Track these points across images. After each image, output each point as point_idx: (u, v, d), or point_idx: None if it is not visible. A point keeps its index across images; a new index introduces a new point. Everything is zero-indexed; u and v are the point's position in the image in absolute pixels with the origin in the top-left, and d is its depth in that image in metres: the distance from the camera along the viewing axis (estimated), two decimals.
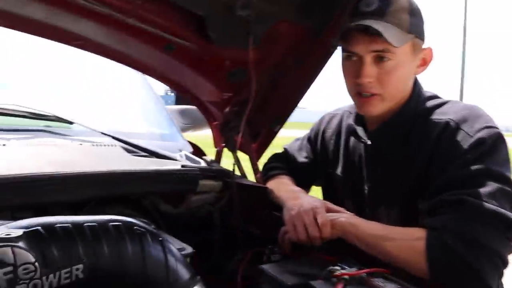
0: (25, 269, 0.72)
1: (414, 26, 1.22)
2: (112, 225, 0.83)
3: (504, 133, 1.20)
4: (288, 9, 1.41)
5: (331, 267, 1.02)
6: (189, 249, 1.04)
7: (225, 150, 1.74)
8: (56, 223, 0.81)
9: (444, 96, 1.36)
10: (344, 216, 1.23)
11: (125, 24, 1.28)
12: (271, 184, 1.55)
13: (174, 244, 0.94)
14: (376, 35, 1.16)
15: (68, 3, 1.17)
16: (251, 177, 1.70)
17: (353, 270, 1.01)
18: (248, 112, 1.56)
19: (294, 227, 1.22)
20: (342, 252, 1.19)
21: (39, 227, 0.78)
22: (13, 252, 0.72)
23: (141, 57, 1.45)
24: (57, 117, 1.54)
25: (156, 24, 1.32)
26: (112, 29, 1.29)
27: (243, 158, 1.72)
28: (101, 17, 1.24)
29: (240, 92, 1.63)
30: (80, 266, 0.78)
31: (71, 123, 1.58)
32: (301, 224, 1.21)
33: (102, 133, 1.53)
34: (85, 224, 0.82)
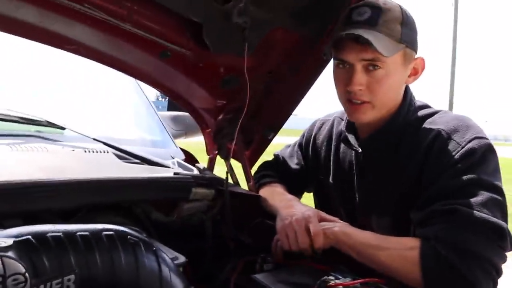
0: (14, 279, 0.70)
1: (406, 36, 1.23)
2: (105, 234, 0.82)
3: (493, 142, 1.22)
4: (284, 17, 1.41)
5: (325, 277, 1.02)
6: (182, 259, 1.03)
7: (218, 157, 1.73)
8: (47, 232, 0.79)
9: (434, 106, 1.38)
10: (337, 226, 1.22)
11: (120, 30, 1.27)
12: (264, 192, 1.54)
13: (167, 254, 0.92)
14: (366, 44, 1.17)
15: (63, 7, 1.16)
16: (244, 184, 1.69)
17: (347, 280, 1.01)
18: (242, 119, 1.55)
19: (286, 236, 1.22)
20: (336, 261, 1.18)
21: (29, 236, 0.77)
22: (3, 262, 0.70)
23: (136, 63, 1.44)
24: (49, 122, 1.52)
25: (151, 30, 1.31)
26: (107, 34, 1.28)
27: (236, 165, 1.71)
28: (96, 22, 1.22)
29: (234, 99, 1.62)
30: (72, 276, 0.77)
31: (63, 128, 1.57)
32: (293, 233, 1.21)
33: (94, 139, 1.51)
34: (77, 233, 0.80)
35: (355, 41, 1.20)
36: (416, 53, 1.29)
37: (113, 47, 1.35)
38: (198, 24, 1.31)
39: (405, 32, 1.22)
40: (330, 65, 1.36)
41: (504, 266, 1.10)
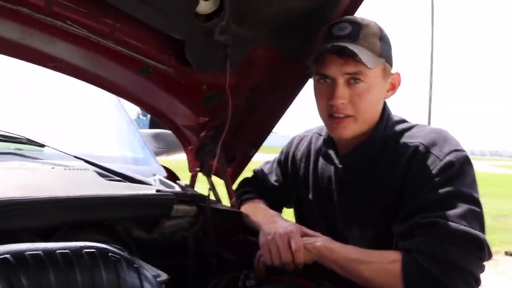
0: None
1: (384, 52, 1.27)
2: (86, 251, 0.81)
3: (470, 156, 1.25)
4: (266, 35, 1.43)
5: None
6: (164, 276, 1.02)
7: (200, 174, 1.72)
8: (25, 251, 0.78)
9: (412, 120, 1.41)
10: (320, 240, 1.23)
11: (102, 47, 1.27)
12: (246, 208, 1.55)
13: (149, 271, 0.92)
14: (350, 57, 1.20)
15: (45, 24, 1.15)
16: (226, 202, 1.68)
17: None
18: (224, 136, 1.56)
19: (269, 251, 1.22)
20: (319, 276, 1.18)
21: (7, 255, 0.76)
22: None
23: (118, 80, 1.44)
24: (28, 139, 1.50)
25: (133, 47, 1.31)
26: (89, 51, 1.28)
27: (218, 182, 1.71)
28: (78, 39, 1.22)
29: (216, 116, 1.62)
30: None
31: (42, 146, 1.55)
32: (275, 248, 1.21)
33: (75, 157, 1.50)
34: (57, 251, 0.79)
35: (338, 55, 1.23)
36: (392, 68, 1.33)
37: (95, 64, 1.35)
38: (181, 42, 1.31)
39: (383, 47, 1.27)
40: (311, 81, 1.38)
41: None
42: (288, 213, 1.63)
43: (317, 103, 1.35)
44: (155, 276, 0.95)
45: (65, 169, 1.41)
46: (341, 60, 1.23)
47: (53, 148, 1.53)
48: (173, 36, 1.29)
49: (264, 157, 1.77)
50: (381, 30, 1.29)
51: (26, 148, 1.55)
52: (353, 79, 1.25)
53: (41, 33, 1.18)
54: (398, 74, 1.35)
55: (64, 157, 1.51)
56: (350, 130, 1.29)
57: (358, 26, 1.25)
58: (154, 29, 1.25)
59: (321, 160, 1.47)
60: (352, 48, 1.20)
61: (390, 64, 1.31)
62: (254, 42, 1.43)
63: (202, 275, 1.38)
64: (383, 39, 1.28)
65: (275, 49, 1.49)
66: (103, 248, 0.84)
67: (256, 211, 1.49)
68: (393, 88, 1.35)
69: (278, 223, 1.33)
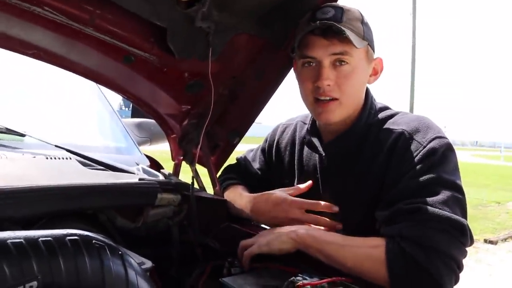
0: None
1: (367, 34, 1.29)
2: (69, 239, 0.80)
3: None
4: (248, 22, 1.42)
5: (293, 278, 1.02)
6: (148, 264, 1.02)
7: (184, 164, 1.72)
8: (7, 239, 0.77)
9: (395, 109, 1.42)
10: (303, 228, 1.23)
11: (82, 34, 1.24)
12: (228, 194, 1.56)
13: (134, 259, 0.91)
14: (335, 37, 1.22)
15: (22, 10, 1.13)
16: (210, 190, 1.68)
17: (314, 280, 1.01)
18: (207, 124, 1.55)
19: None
20: (303, 263, 1.19)
21: None
22: None
23: (99, 68, 1.41)
24: (8, 129, 1.48)
25: (114, 34, 1.29)
26: (69, 38, 1.25)
27: (203, 173, 1.71)
28: (57, 26, 1.20)
29: (199, 104, 1.62)
30: (34, 283, 0.74)
31: (23, 135, 1.52)
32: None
33: (56, 146, 1.47)
34: (40, 239, 0.78)
35: (323, 37, 1.24)
36: (374, 53, 1.35)
37: (75, 52, 1.32)
38: (162, 29, 1.30)
39: (366, 31, 1.29)
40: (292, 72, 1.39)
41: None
42: None
43: (301, 88, 1.35)
44: (140, 264, 0.94)
45: (46, 158, 1.38)
46: (326, 41, 1.25)
47: (34, 138, 1.50)
48: (154, 23, 1.27)
49: (248, 148, 1.77)
50: (362, 16, 1.31)
51: (6, 138, 1.52)
52: (338, 61, 1.27)
53: (18, 20, 1.15)
54: (381, 60, 1.37)
55: (45, 147, 1.49)
56: (336, 114, 1.30)
57: (341, 10, 1.27)
58: (135, 15, 1.23)
59: (306, 148, 1.48)
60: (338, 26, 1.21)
61: (373, 49, 1.33)
62: (236, 29, 1.43)
63: (187, 263, 1.38)
64: (365, 24, 1.30)
65: (258, 36, 1.49)
66: (86, 235, 0.83)
67: (239, 196, 1.51)
68: (376, 73, 1.37)
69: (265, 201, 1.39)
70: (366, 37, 1.28)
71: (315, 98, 1.30)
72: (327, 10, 1.27)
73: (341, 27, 1.21)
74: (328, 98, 1.28)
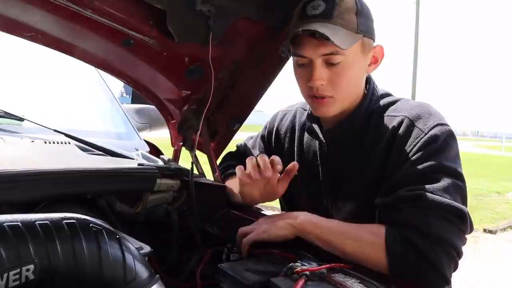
0: None
1: (362, 26, 1.23)
2: (66, 222, 0.79)
3: None
4: (249, 6, 1.40)
5: (292, 264, 1.02)
6: (147, 248, 1.01)
7: (184, 151, 1.71)
8: (4, 222, 0.76)
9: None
10: (302, 215, 1.23)
11: (81, 16, 1.23)
12: (230, 183, 1.54)
13: (132, 243, 0.90)
14: (323, 39, 1.17)
15: None
16: (209, 176, 1.68)
17: (313, 266, 1.01)
18: (207, 110, 1.54)
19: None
20: (302, 250, 1.19)
21: None
22: None
23: (98, 51, 1.40)
24: (6, 113, 1.46)
25: (113, 17, 1.27)
26: (67, 21, 1.23)
27: (203, 161, 1.70)
28: (55, 7, 1.18)
29: (199, 89, 1.61)
30: (31, 266, 0.74)
31: (21, 119, 1.51)
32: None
33: (55, 131, 1.46)
34: (37, 222, 0.78)
35: (312, 36, 1.20)
36: (374, 41, 1.29)
37: (73, 34, 1.31)
38: (162, 12, 1.28)
39: (361, 22, 1.23)
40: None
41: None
42: None
43: (298, 84, 1.33)
44: (138, 249, 0.94)
45: (45, 143, 1.37)
46: (316, 41, 1.20)
47: (32, 122, 1.49)
48: (154, 6, 1.26)
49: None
50: (358, 4, 1.23)
51: (4, 122, 1.51)
52: (330, 60, 1.22)
53: (16, 1, 1.13)
54: (381, 47, 1.32)
55: (44, 131, 1.48)
56: (331, 109, 1.29)
57: (332, 3, 1.20)
58: None
59: (306, 134, 1.47)
60: (323, 30, 1.16)
61: (371, 37, 1.27)
62: (237, 14, 1.41)
63: (186, 249, 1.37)
64: (360, 13, 1.23)
65: (259, 21, 1.47)
66: (84, 219, 0.82)
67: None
68: (376, 61, 1.33)
69: None
70: (361, 29, 1.22)
71: (310, 95, 1.29)
72: (317, 4, 1.21)
73: (327, 32, 1.15)
74: (322, 96, 1.27)
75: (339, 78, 1.24)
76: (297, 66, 1.30)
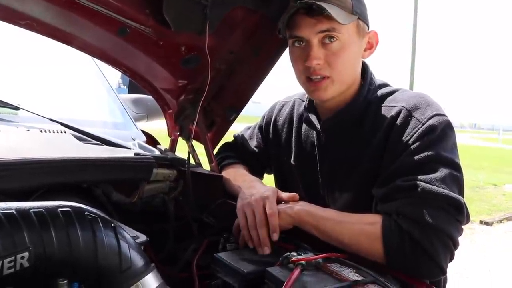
0: None
1: (357, 8, 1.24)
2: (61, 210, 0.79)
3: None
4: None
5: (288, 254, 1.02)
6: (143, 237, 1.01)
7: (181, 141, 1.70)
8: None
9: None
10: (300, 205, 1.23)
11: (77, 4, 1.21)
12: (227, 173, 1.54)
13: (128, 232, 0.90)
14: (321, 14, 1.18)
15: None
16: (206, 166, 1.67)
17: (309, 256, 1.01)
18: (203, 100, 1.53)
19: (244, 216, 1.22)
20: (298, 239, 1.19)
21: None
22: None
23: (93, 40, 1.39)
24: (2, 102, 1.46)
25: (109, 5, 1.26)
26: (62, 9, 1.22)
27: (201, 152, 1.69)
28: None
29: (196, 79, 1.60)
30: (26, 254, 0.74)
31: (17, 108, 1.51)
32: (250, 212, 1.21)
33: (51, 120, 1.46)
34: (31, 210, 0.77)
35: (309, 15, 1.21)
36: (368, 27, 1.31)
37: (69, 23, 1.29)
38: (158, 0, 1.27)
39: (355, 4, 1.24)
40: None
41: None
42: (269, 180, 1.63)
43: (293, 67, 1.33)
44: (134, 237, 0.94)
45: (41, 132, 1.37)
46: (313, 19, 1.22)
47: (28, 111, 1.48)
48: None
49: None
50: None
51: (0, 111, 1.51)
52: (327, 38, 1.23)
53: None
54: (375, 33, 1.33)
55: (40, 120, 1.47)
56: (328, 91, 1.28)
57: None
58: None
59: (304, 125, 1.47)
60: (321, 4, 1.17)
61: (365, 22, 1.29)
62: (233, 3, 1.40)
63: (183, 239, 1.37)
64: None
65: (256, 10, 1.46)
66: (79, 207, 0.82)
67: (236, 176, 1.48)
68: (371, 47, 1.34)
69: (256, 188, 1.32)
70: (356, 10, 1.24)
71: (307, 77, 1.29)
72: None
73: (323, 5, 1.17)
74: (319, 77, 1.26)
75: (335, 57, 1.24)
76: (293, 49, 1.30)
